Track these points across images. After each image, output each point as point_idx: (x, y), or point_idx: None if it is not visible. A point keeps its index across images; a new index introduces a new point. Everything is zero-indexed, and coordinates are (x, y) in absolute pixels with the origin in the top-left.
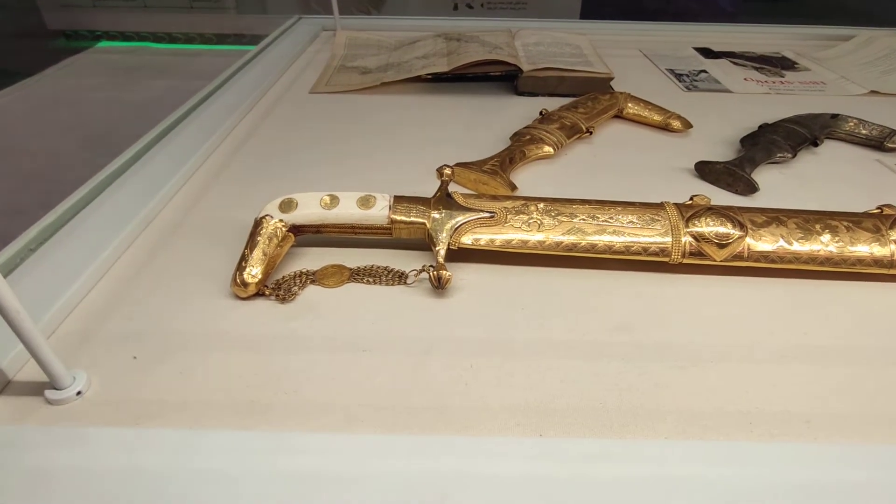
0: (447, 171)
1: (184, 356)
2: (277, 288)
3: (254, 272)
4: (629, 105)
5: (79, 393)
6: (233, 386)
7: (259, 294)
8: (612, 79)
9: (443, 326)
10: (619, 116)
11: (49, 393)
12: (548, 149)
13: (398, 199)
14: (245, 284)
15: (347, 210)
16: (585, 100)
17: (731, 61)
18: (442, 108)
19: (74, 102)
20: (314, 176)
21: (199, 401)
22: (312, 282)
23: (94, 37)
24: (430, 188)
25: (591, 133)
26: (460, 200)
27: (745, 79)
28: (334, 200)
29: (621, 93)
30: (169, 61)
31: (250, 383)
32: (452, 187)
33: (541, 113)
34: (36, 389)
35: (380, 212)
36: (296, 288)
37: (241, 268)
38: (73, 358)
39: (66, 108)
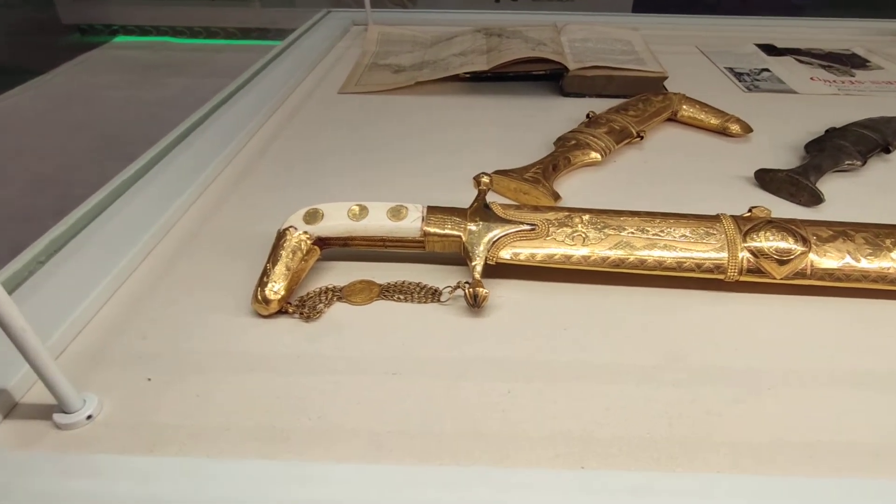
0: (485, 179)
1: (201, 378)
2: (301, 305)
3: (276, 288)
4: (684, 107)
5: (89, 417)
6: (253, 410)
7: (282, 312)
8: (665, 78)
9: (478, 348)
10: (673, 119)
11: (58, 417)
12: (595, 155)
13: (432, 210)
14: (267, 301)
15: (377, 221)
16: (636, 101)
17: (797, 59)
18: (480, 110)
19: (88, 101)
20: (342, 184)
21: (217, 426)
22: (339, 298)
23: (110, 31)
24: (466, 198)
25: (641, 138)
26: (499, 211)
27: (811, 78)
28: (363, 211)
29: (675, 94)
30: (189, 58)
31: (271, 408)
32: (490, 197)
33: (588, 115)
34: (44, 413)
35: (412, 223)
36: (321, 305)
37: (262, 283)
38: (83, 379)
39: (80, 108)
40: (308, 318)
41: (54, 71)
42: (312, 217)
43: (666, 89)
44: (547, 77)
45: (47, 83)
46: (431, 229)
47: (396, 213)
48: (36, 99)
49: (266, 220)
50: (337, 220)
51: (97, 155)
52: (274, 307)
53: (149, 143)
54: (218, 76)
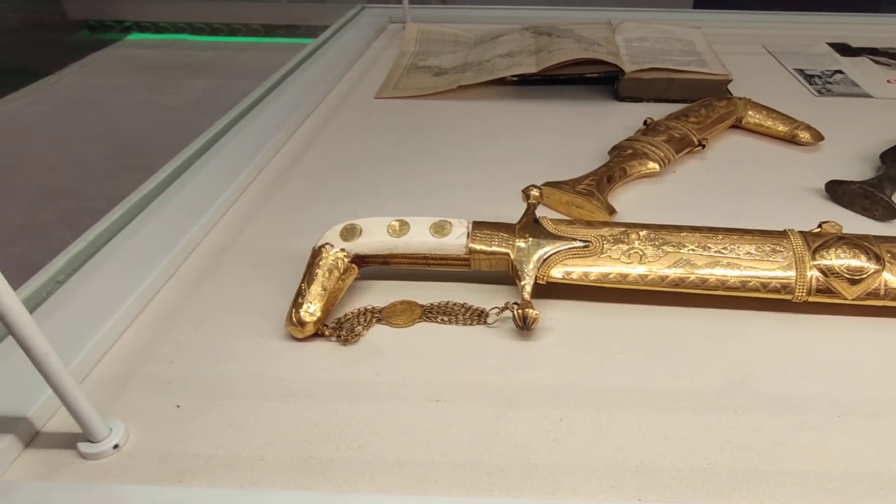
0: (535, 192)
1: (233, 405)
2: (339, 327)
3: (312, 309)
4: (749, 113)
5: (116, 446)
6: (289, 439)
7: (318, 334)
8: (729, 81)
9: (528, 373)
10: (738, 126)
11: (83, 446)
12: (653, 165)
13: (477, 226)
14: (302, 323)
15: (419, 238)
16: (698, 107)
17: (873, 60)
18: (529, 116)
19: (100, 106)
20: (380, 197)
21: (250, 456)
22: (379, 320)
23: (122, 28)
24: (514, 212)
25: (703, 146)
26: (549, 227)
27: (888, 81)
28: (404, 227)
29: (740, 98)
30: (209, 57)
31: (308, 436)
32: (541, 211)
33: (645, 122)
34: (68, 442)
35: (456, 240)
36: (360, 327)
37: (297, 304)
38: (108, 406)
39: (91, 113)
40: (346, 342)
41: (60, 73)
42: (350, 233)
43: (730, 93)
44: (601, 80)
45: (53, 86)
46: (477, 246)
47: (440, 228)
48: (41, 103)
49: (299, 237)
50: (376, 237)
51: (110, 165)
52: (309, 330)
53: (168, 153)
54: (243, 78)
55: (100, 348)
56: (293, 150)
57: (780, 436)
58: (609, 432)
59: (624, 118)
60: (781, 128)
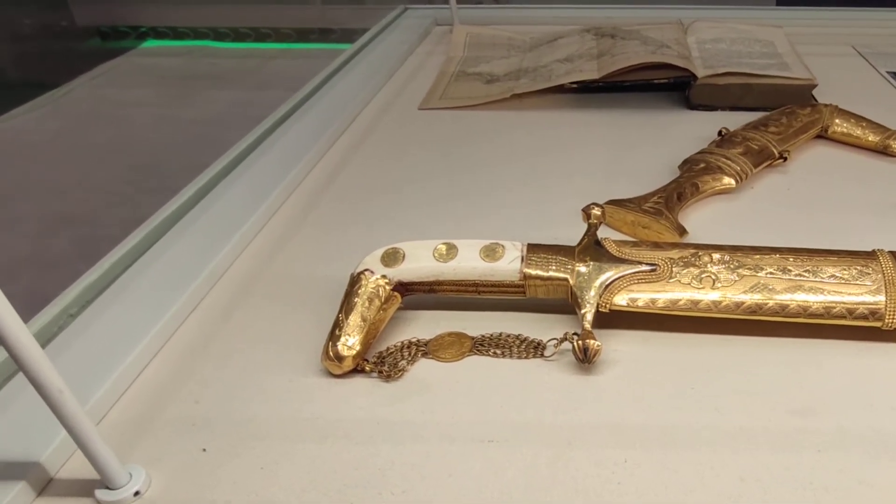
0: (596, 211)
1: (265, 448)
2: (381, 362)
3: (350, 342)
4: (837, 121)
5: (136, 493)
6: (326, 484)
7: (357, 370)
8: (814, 86)
9: (589, 410)
10: (823, 136)
11: (101, 493)
12: (728, 180)
13: (533, 249)
14: (340, 358)
15: (468, 263)
16: (779, 115)
17: None
18: (590, 127)
19: (113, 121)
20: (425, 219)
21: (284, 502)
22: (424, 354)
23: (137, 35)
24: (573, 234)
25: (785, 159)
26: (613, 249)
27: None
28: (451, 250)
29: (826, 105)
30: (235, 66)
31: (349, 481)
32: (603, 232)
33: (720, 133)
34: (84, 489)
35: (509, 265)
36: (404, 362)
37: (334, 337)
38: (128, 450)
39: (103, 130)
40: (388, 378)
41: (69, 84)
42: (392, 258)
43: (815, 100)
44: (670, 86)
45: (60, 100)
46: (533, 271)
47: (491, 252)
48: (47, 119)
49: (336, 263)
50: (421, 262)
51: (127, 187)
52: (348, 365)
53: (190, 173)
54: (273, 88)
55: (118, 387)
56: (328, 167)
57: (866, 475)
58: (678, 473)
59: (696, 128)
60: (872, 138)
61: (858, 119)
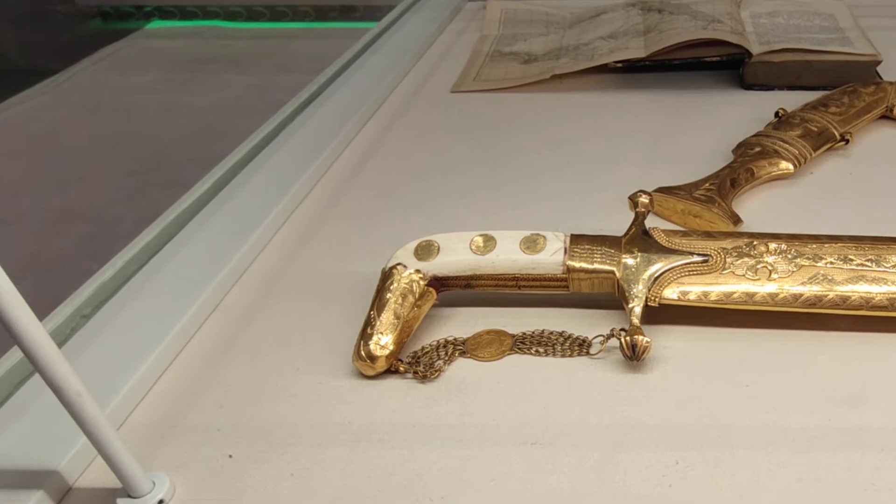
0: (643, 199)
1: (294, 453)
2: (416, 362)
3: (384, 341)
4: None
5: (160, 502)
6: (360, 490)
7: (391, 370)
8: (879, 63)
9: (639, 410)
10: (889, 117)
11: (123, 502)
12: (786, 165)
13: (576, 240)
14: (373, 358)
15: (508, 255)
16: (840, 94)
17: None
18: (636, 109)
19: (118, 109)
20: (460, 209)
21: None
22: (462, 353)
23: (141, 15)
24: (619, 224)
25: (847, 142)
26: (662, 239)
27: None
28: (489, 242)
29: (892, 83)
30: (250, 48)
31: (384, 487)
32: (651, 221)
33: (777, 114)
34: (105, 498)
35: (552, 257)
36: (440, 361)
37: (366, 336)
38: (150, 456)
39: (108, 119)
40: (424, 378)
41: (69, 70)
42: (426, 251)
43: (880, 77)
44: (723, 65)
45: (61, 86)
46: (577, 264)
47: (532, 243)
48: (47, 108)
49: (365, 258)
50: (457, 255)
51: (135, 180)
52: (381, 365)
53: (203, 164)
54: (291, 72)
55: (137, 392)
56: (354, 156)
57: None
58: (733, 476)
59: (751, 110)
60: None
61: None
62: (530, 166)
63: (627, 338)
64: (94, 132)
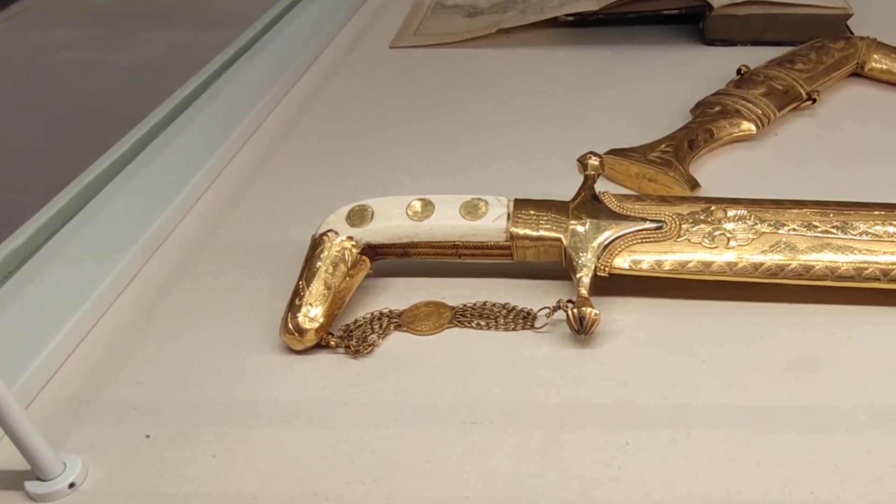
0: (594, 161)
1: (217, 433)
2: (348, 336)
3: (313, 313)
4: (875, 57)
5: (72, 485)
6: (287, 473)
7: (321, 345)
8: (849, 16)
9: (587, 388)
10: (859, 74)
11: (31, 486)
12: (748, 126)
13: (521, 205)
14: (301, 332)
15: (447, 221)
16: (808, 50)
17: None
18: (588, 66)
19: (32, 69)
20: (399, 173)
21: (240, 494)
22: (398, 326)
23: None
24: (569, 189)
25: (814, 101)
26: (612, 204)
27: None
28: (428, 207)
29: (863, 38)
30: (173, 2)
31: (312, 469)
32: (604, 186)
33: (739, 71)
34: (12, 481)
35: (494, 223)
36: (374, 336)
37: (294, 308)
38: (61, 437)
39: (21, 79)
40: (357, 353)
41: None
42: (359, 217)
43: (850, 32)
44: (682, 18)
45: None
46: (521, 230)
47: (473, 209)
48: None
49: (296, 225)
50: (392, 221)
51: (51, 144)
52: (311, 339)
53: (124, 126)
54: (218, 27)
55: (47, 367)
56: (285, 116)
57: None
58: (688, 458)
59: (711, 67)
60: None
61: None
62: (474, 127)
63: (575, 310)
64: (6, 94)
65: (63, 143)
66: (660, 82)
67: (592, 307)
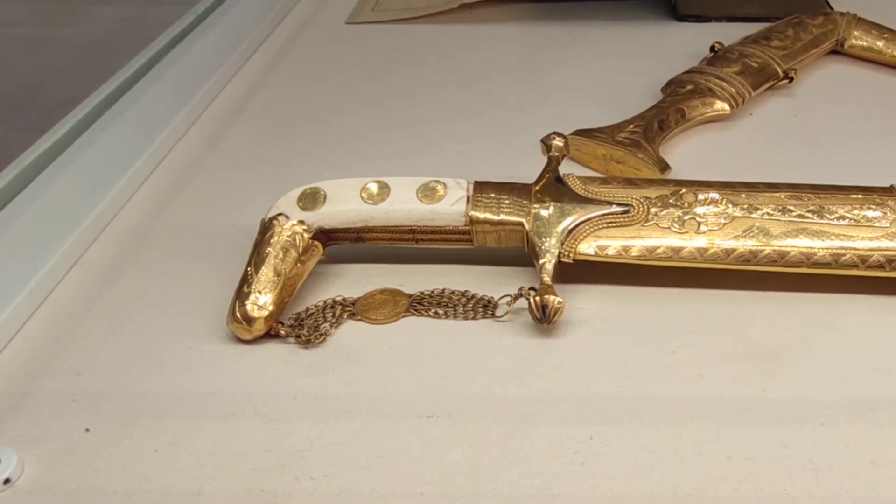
0: (558, 141)
1: (160, 426)
2: (299, 325)
3: (262, 301)
4: (855, 33)
5: (7, 481)
6: (233, 468)
7: (271, 334)
8: None
9: (549, 380)
10: (838, 52)
11: None
12: (721, 105)
13: (481, 187)
14: (250, 320)
15: (403, 204)
16: (785, 26)
17: None
18: (555, 42)
19: None
20: (355, 155)
21: (183, 490)
22: (352, 315)
23: None
24: (533, 172)
25: (791, 79)
26: (577, 187)
27: None
28: (384, 190)
29: (843, 14)
30: None
31: (259, 464)
32: (568, 168)
33: (712, 48)
34: None
35: (452, 206)
36: (326, 325)
37: (242, 295)
38: None
39: None
40: (308, 343)
41: None
42: (311, 200)
43: (830, 7)
44: None
45: None
46: (481, 214)
47: (431, 191)
48: None
49: (246, 208)
50: (346, 204)
51: None
52: (259, 328)
53: (69, 104)
54: (169, 2)
55: None
56: (235, 95)
57: (879, 453)
58: (654, 453)
59: (684, 44)
60: None
61: (881, 30)
62: (435, 107)
63: (537, 298)
64: None
65: (5, 123)
66: (629, 60)
67: (556, 295)
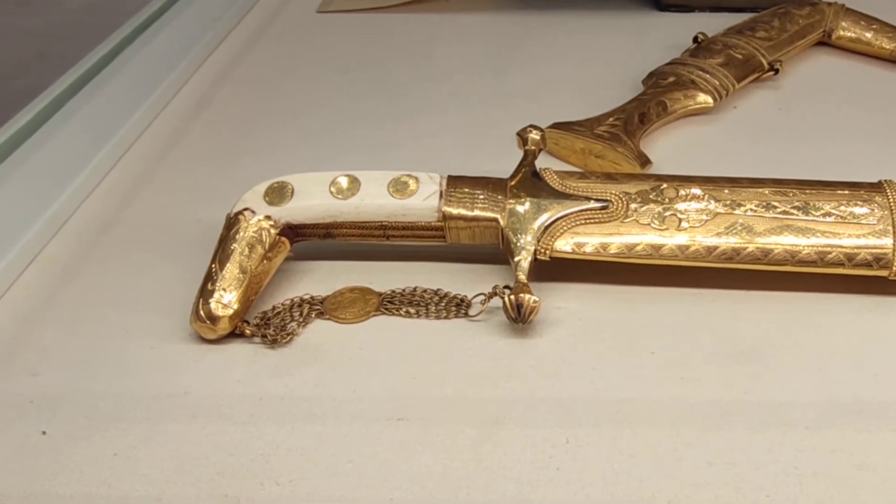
0: (534, 135)
1: (120, 429)
2: (265, 324)
3: (227, 299)
4: (843, 24)
5: None
6: (196, 472)
7: (236, 334)
8: None
9: (524, 381)
10: (826, 43)
11: None
12: (704, 98)
13: (455, 182)
14: (214, 319)
15: (374, 199)
16: (770, 17)
17: None
18: (534, 33)
19: None
20: (325, 149)
21: (143, 495)
22: (320, 314)
23: None
24: (507, 167)
25: (776, 71)
26: (555, 182)
27: None
28: (353, 185)
29: (830, 4)
30: None
31: (222, 469)
32: (545, 162)
33: (696, 39)
34: None
35: (425, 202)
36: (294, 324)
37: (206, 293)
38: None
39: None
40: (275, 343)
41: None
42: (278, 195)
43: None
44: None
45: None
46: (454, 210)
47: (402, 186)
48: None
49: (212, 203)
50: (314, 199)
51: None
52: (224, 327)
53: (29, 94)
54: None
55: None
56: (201, 87)
57: (866, 456)
58: (633, 458)
59: (666, 34)
60: (887, 44)
61: (870, 21)
62: (409, 100)
63: (512, 297)
64: None
65: None
66: (609, 51)
67: (531, 294)
